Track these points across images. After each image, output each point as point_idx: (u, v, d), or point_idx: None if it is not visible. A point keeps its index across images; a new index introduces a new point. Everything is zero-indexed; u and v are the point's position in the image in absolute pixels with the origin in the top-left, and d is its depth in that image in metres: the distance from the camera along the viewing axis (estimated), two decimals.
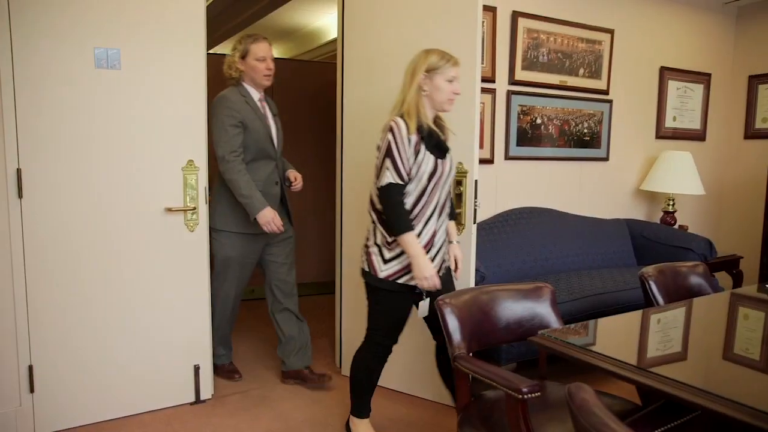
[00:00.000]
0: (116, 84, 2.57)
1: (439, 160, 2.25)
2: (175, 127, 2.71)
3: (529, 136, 3.96)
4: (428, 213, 2.26)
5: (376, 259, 2.29)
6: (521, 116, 3.91)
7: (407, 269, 2.25)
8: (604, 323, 2.03)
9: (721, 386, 1.47)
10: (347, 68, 3.12)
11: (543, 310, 2.09)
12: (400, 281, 2.27)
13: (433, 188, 2.25)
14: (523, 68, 3.87)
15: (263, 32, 6.20)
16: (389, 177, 2.17)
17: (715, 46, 4.99)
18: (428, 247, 2.27)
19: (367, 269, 2.33)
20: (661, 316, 2.15)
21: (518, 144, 3.91)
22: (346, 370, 3.28)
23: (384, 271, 2.27)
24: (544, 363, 2.17)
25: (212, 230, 2.91)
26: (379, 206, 2.27)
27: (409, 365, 3.00)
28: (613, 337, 1.92)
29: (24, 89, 2.41)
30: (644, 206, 4.75)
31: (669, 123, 4.81)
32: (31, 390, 2.54)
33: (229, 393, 3.05)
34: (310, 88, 4.77)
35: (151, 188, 2.69)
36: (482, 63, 3.59)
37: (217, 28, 5.89)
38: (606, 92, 4.33)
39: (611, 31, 4.27)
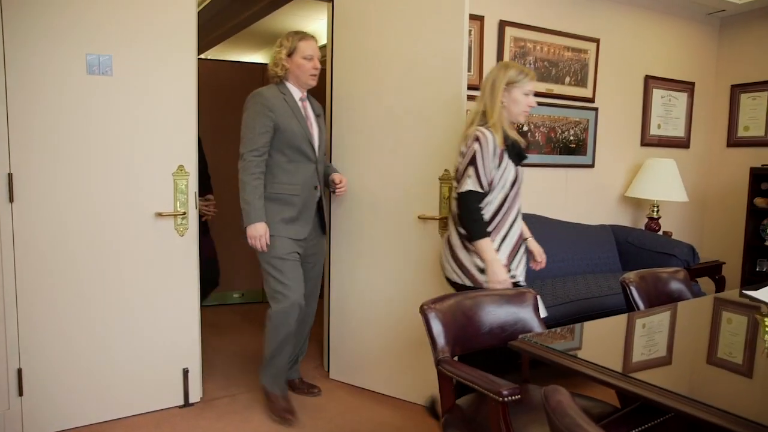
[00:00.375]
0: (108, 90, 2.60)
1: (518, 168, 2.42)
2: (165, 133, 2.74)
3: None
4: (512, 218, 2.42)
5: (475, 272, 2.38)
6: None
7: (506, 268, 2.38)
8: (587, 328, 2.08)
9: (705, 391, 1.52)
10: (336, 74, 3.17)
11: (526, 314, 2.14)
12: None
13: (515, 195, 2.42)
14: None
15: (254, 37, 6.29)
16: (470, 184, 2.31)
17: (699, 55, 5.09)
18: (516, 249, 2.45)
19: (468, 283, 2.40)
20: (646, 320, 2.20)
21: None
22: (334, 374, 3.32)
23: (484, 278, 2.36)
24: (526, 367, 2.22)
25: None
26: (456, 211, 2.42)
27: (396, 369, 3.05)
28: (596, 341, 1.96)
29: (16, 95, 2.43)
30: (629, 212, 4.83)
31: (654, 131, 4.89)
32: (20, 393, 2.55)
33: (218, 396, 3.08)
34: None
35: (142, 193, 2.71)
36: (469, 71, 3.66)
37: (209, 33, 5.92)
38: (592, 100, 4.40)
39: (597, 40, 4.35)
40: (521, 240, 2.50)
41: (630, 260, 4.19)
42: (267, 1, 4.72)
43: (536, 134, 4.12)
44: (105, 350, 2.70)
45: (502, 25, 3.86)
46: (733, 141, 5.08)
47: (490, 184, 2.34)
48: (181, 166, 2.79)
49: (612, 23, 4.47)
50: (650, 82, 4.79)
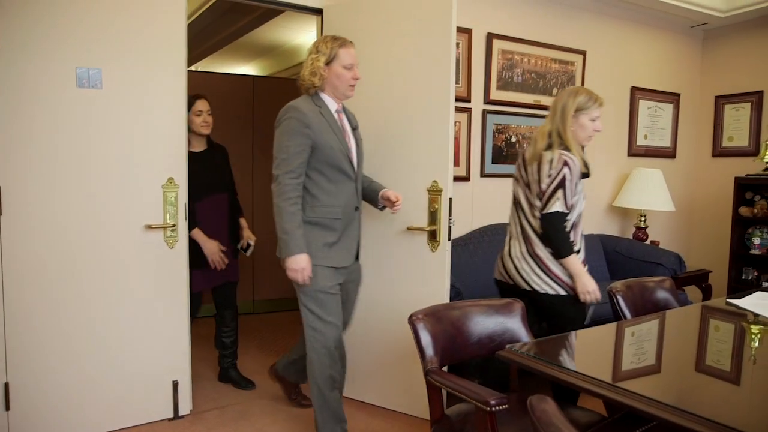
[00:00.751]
0: (97, 103, 2.61)
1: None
2: (155, 145, 2.75)
3: (504, 154, 4.06)
4: (580, 232, 2.55)
5: (569, 279, 2.47)
6: (496, 135, 4.01)
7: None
8: (575, 337, 2.10)
9: (693, 399, 1.55)
10: None
11: (514, 325, 2.16)
12: None
13: (582, 212, 2.55)
14: (498, 88, 3.98)
15: (243, 49, 6.32)
16: (558, 206, 2.40)
17: (683, 67, 5.17)
18: (584, 262, 2.53)
19: (561, 292, 2.47)
20: (634, 329, 2.23)
21: (494, 162, 4.01)
22: None
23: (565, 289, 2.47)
24: (514, 376, 2.24)
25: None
26: (539, 230, 2.48)
27: (385, 379, 3.05)
28: (584, 350, 1.99)
29: (5, 107, 2.44)
30: (617, 222, 4.88)
31: (640, 141, 4.95)
32: (7, 408, 2.53)
33: (207, 409, 3.07)
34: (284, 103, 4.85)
35: (131, 206, 2.72)
36: (458, 83, 3.70)
37: (198, 45, 5.94)
38: None
39: (583, 52, 4.41)
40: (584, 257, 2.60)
41: (618, 269, 4.23)
42: (256, 14, 4.76)
43: (524, 145, 4.17)
44: (93, 363, 2.69)
45: (490, 37, 3.91)
46: (718, 151, 5.15)
47: (571, 206, 2.46)
48: (170, 179, 2.79)
49: (598, 36, 4.54)
50: (636, 93, 4.86)
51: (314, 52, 2.48)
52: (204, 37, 5.66)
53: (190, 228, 2.97)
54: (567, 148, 2.45)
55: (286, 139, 2.39)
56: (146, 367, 2.80)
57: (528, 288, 2.49)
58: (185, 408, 2.94)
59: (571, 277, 2.46)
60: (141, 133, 2.72)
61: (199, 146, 3.18)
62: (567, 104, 2.49)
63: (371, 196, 2.72)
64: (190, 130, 3.02)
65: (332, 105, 2.53)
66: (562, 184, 2.40)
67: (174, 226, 2.81)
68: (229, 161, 3.38)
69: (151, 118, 2.73)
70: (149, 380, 2.82)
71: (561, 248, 2.43)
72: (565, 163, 2.40)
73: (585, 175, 2.54)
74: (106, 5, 2.59)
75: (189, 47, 2.91)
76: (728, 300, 2.50)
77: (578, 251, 2.50)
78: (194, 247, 3.03)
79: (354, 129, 2.63)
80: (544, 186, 2.43)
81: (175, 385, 2.88)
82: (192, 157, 2.95)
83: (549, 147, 2.46)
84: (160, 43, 2.72)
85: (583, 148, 2.57)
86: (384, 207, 2.72)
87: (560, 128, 2.48)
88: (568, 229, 2.45)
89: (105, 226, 2.66)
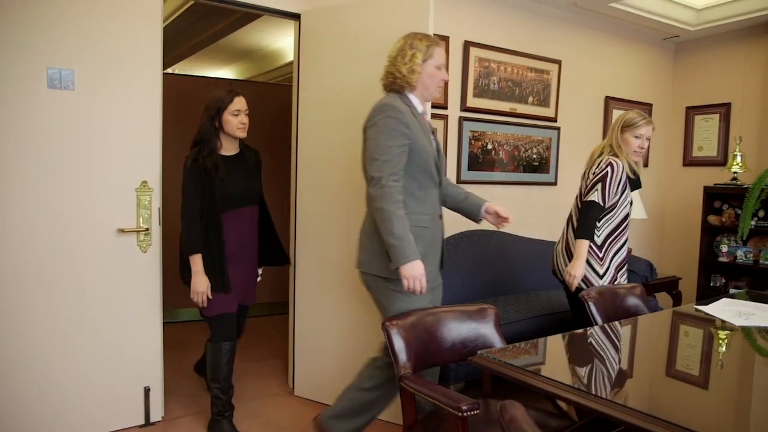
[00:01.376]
0: (69, 105, 2.57)
1: (633, 194, 2.88)
2: (129, 148, 2.72)
3: (480, 160, 4.10)
4: (625, 238, 2.87)
5: (593, 278, 2.80)
6: (473, 142, 4.05)
7: (614, 279, 2.83)
8: (547, 342, 2.13)
9: (663, 403, 1.57)
10: (302, 91, 3.19)
11: (487, 330, 2.18)
12: None
13: (630, 217, 2.87)
14: (475, 95, 4.02)
15: (222, 52, 6.28)
16: (595, 197, 2.73)
17: (656, 78, 5.28)
18: (623, 264, 2.88)
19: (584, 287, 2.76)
20: (606, 334, 2.26)
21: (470, 168, 4.05)
22: (299, 391, 3.30)
23: (602, 283, 2.78)
24: (488, 382, 2.25)
25: (380, 278, 2.33)
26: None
27: None
28: (556, 356, 2.01)
29: None
30: None
31: None
32: None
33: (180, 415, 3.03)
34: (268, 110, 4.82)
35: (104, 209, 2.68)
36: None
37: (176, 47, 5.89)
38: (554, 119, 4.52)
39: (559, 62, 4.48)
40: (627, 257, 2.93)
41: None
42: (234, 17, 4.74)
43: (500, 152, 4.21)
44: (62, 369, 2.63)
45: (467, 45, 3.95)
46: (689, 160, 5.27)
47: (613, 206, 2.78)
48: (144, 182, 2.76)
49: (573, 46, 4.61)
50: (610, 102, 4.95)
51: (409, 48, 2.33)
52: (181, 39, 5.61)
53: (200, 248, 2.61)
54: (616, 156, 2.79)
55: (385, 139, 2.22)
56: (117, 372, 2.76)
57: (560, 278, 2.89)
58: (157, 414, 2.90)
59: (601, 276, 2.80)
60: (114, 136, 2.68)
61: (231, 149, 2.76)
62: (617, 121, 2.87)
63: (470, 209, 2.60)
64: (223, 132, 2.70)
65: (419, 106, 2.40)
66: (602, 180, 2.74)
67: (147, 230, 2.77)
68: (261, 167, 2.95)
69: (124, 121, 2.70)
70: (120, 386, 2.78)
71: (581, 230, 2.75)
72: (609, 164, 2.75)
73: (635, 183, 2.87)
74: (80, 5, 2.56)
75: (165, 50, 2.88)
76: (696, 306, 2.55)
77: (618, 251, 2.84)
78: (214, 267, 2.67)
79: (433, 133, 2.49)
80: (589, 182, 2.80)
81: (147, 391, 2.84)
82: (222, 161, 2.68)
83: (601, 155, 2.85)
84: (135, 45, 2.69)
85: (636, 163, 2.88)
86: (481, 220, 2.62)
87: (612, 141, 2.85)
88: (611, 229, 2.81)
89: (76, 229, 2.62)
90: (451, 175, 3.96)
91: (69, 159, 2.59)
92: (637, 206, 4.63)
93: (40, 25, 2.49)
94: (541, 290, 3.97)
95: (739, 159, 4.63)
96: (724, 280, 4.83)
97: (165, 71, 2.89)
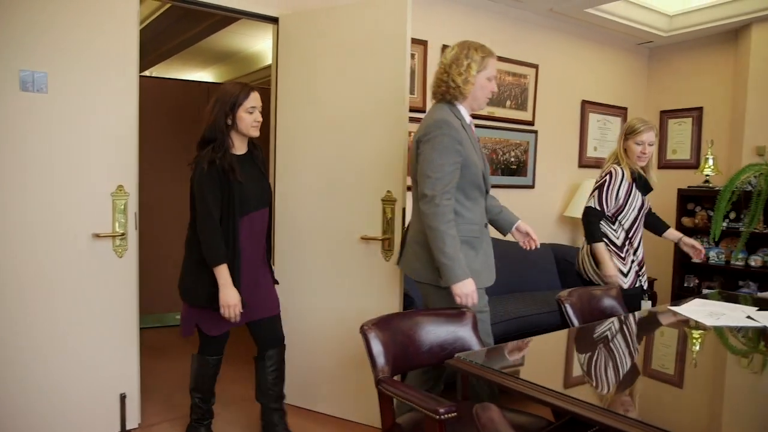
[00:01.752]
0: (43, 108, 2.53)
1: (644, 197, 3.03)
2: (104, 152, 2.69)
3: None
4: (639, 237, 3.05)
5: (620, 277, 2.98)
6: None
7: (638, 275, 3.04)
8: (525, 344, 2.15)
9: (640, 403, 1.60)
10: (281, 94, 3.19)
11: (465, 333, 2.19)
12: (636, 285, 3.04)
13: (641, 219, 3.04)
14: None
15: (201, 55, 6.23)
16: (591, 202, 2.98)
17: (631, 82, 5.37)
18: (642, 263, 3.07)
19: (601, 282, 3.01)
20: (584, 335, 2.29)
21: None
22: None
23: (626, 282, 3.00)
24: (466, 384, 2.27)
25: (432, 286, 2.37)
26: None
27: (341, 389, 3.05)
28: (533, 358, 2.03)
29: None
30: (568, 232, 5.01)
31: (590, 153, 5.11)
32: None
33: (156, 422, 3.00)
34: None
35: (78, 213, 2.64)
36: (413, 94, 3.75)
37: (152, 49, 5.83)
38: (531, 123, 4.57)
39: (536, 66, 4.53)
40: (643, 254, 3.12)
41: (569, 278, 4.33)
42: (212, 20, 4.71)
43: None
44: (36, 375, 2.59)
45: (445, 49, 3.97)
46: (663, 163, 5.36)
47: (620, 210, 2.99)
48: (120, 186, 2.73)
49: (550, 50, 4.67)
50: (586, 106, 5.02)
51: (465, 59, 2.31)
52: (159, 41, 5.56)
53: (226, 257, 2.41)
54: (618, 164, 2.98)
55: (439, 156, 2.23)
56: (92, 379, 2.72)
57: (586, 278, 3.09)
58: (133, 421, 2.86)
59: (626, 275, 3.00)
60: (89, 139, 2.64)
61: (242, 148, 2.55)
62: (622, 128, 3.06)
63: (503, 224, 2.63)
64: (235, 130, 2.49)
65: (467, 117, 2.39)
66: (600, 187, 2.97)
67: (123, 234, 2.74)
68: (267, 165, 2.81)
69: (100, 124, 2.67)
70: (95, 393, 2.73)
71: (587, 236, 3.02)
72: (609, 173, 2.96)
73: (644, 187, 3.02)
74: (54, 5, 2.52)
75: (143, 52, 2.85)
76: (669, 307, 2.60)
77: (635, 251, 3.05)
78: (211, 281, 2.43)
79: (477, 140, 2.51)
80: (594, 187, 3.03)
81: (123, 397, 2.80)
82: (237, 161, 2.49)
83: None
84: (110, 47, 2.66)
85: (644, 169, 3.03)
86: (506, 233, 2.66)
87: (618, 149, 3.04)
88: (625, 231, 3.01)
89: (49, 233, 2.58)
90: None
91: (42, 163, 2.55)
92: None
93: (12, 26, 2.44)
94: (519, 292, 4.01)
95: (711, 162, 4.73)
96: (697, 281, 4.92)
97: (142, 74, 2.85)
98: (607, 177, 2.96)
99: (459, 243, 2.25)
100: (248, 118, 2.47)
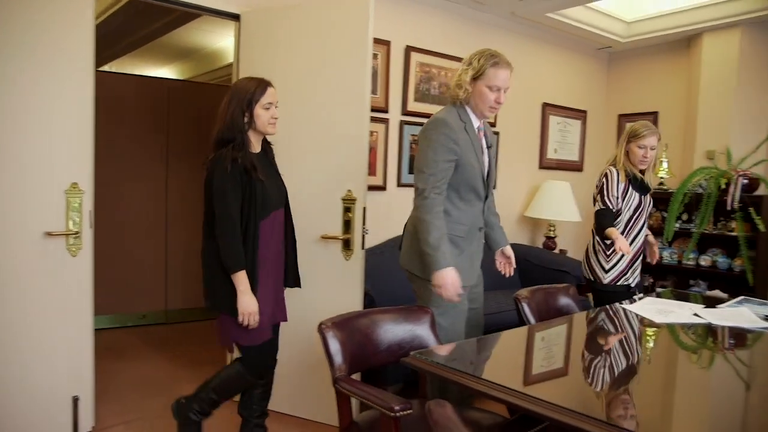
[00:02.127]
0: None
1: (643, 196, 3.09)
2: (58, 149, 2.62)
3: None
4: (634, 234, 3.10)
5: (599, 272, 3.10)
6: (413, 146, 4.10)
7: (623, 273, 3.09)
8: (480, 342, 2.18)
9: (592, 399, 1.64)
10: None
11: (423, 332, 2.21)
12: (618, 283, 3.10)
13: (638, 217, 3.09)
14: (416, 100, 4.08)
15: (162, 51, 6.12)
16: (598, 206, 3.08)
17: (590, 86, 5.50)
18: (634, 259, 3.12)
19: (591, 278, 3.15)
20: (543, 333, 2.33)
21: (411, 172, 4.09)
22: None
23: (606, 278, 3.08)
24: (424, 382, 2.29)
25: (418, 277, 2.46)
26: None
27: (300, 388, 3.04)
28: (490, 355, 2.07)
29: None
30: (528, 232, 5.10)
31: (551, 155, 5.21)
32: None
33: (110, 425, 2.94)
34: (206, 109, 4.75)
35: (30, 211, 2.57)
36: (375, 93, 3.76)
37: (111, 44, 5.70)
38: (493, 125, 4.63)
39: None
40: (640, 252, 3.17)
41: (529, 277, 4.41)
42: (173, 16, 4.63)
43: None
44: None
45: (408, 50, 4.01)
46: None
47: (619, 209, 3.05)
48: (74, 184, 2.67)
49: (512, 53, 4.65)
50: (547, 109, 5.11)
51: (466, 64, 2.39)
52: (117, 36, 5.44)
53: (245, 263, 2.28)
54: (613, 165, 3.08)
55: (433, 154, 2.32)
56: (43, 381, 2.64)
57: (588, 279, 3.20)
58: (87, 425, 2.80)
59: (607, 271, 3.10)
60: (42, 136, 2.57)
61: (257, 146, 2.42)
62: (625, 131, 3.12)
63: (491, 243, 2.73)
64: (252, 129, 2.36)
65: (475, 121, 2.45)
66: (600, 190, 3.07)
67: (78, 233, 2.68)
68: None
69: (53, 121, 2.59)
70: (46, 396, 2.66)
71: (598, 230, 3.07)
72: (605, 175, 3.07)
73: (641, 188, 3.08)
74: None
75: (100, 46, 2.79)
76: (621, 305, 2.67)
77: (630, 243, 3.07)
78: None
79: (489, 147, 2.54)
80: (595, 193, 3.13)
81: (76, 400, 2.74)
82: (257, 160, 2.36)
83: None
84: (65, 41, 2.59)
85: (643, 172, 3.09)
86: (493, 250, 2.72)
87: (617, 151, 3.12)
88: (621, 229, 3.06)
89: (0, 231, 2.50)
90: (391, 178, 4.01)
91: None
92: (570, 209, 4.82)
93: None
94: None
95: (665, 165, 4.87)
96: (651, 280, 5.06)
97: (100, 69, 2.79)
98: (604, 179, 3.06)
99: (445, 236, 2.32)
100: (265, 115, 2.36)
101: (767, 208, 4.41)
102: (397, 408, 1.64)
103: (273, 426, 2.95)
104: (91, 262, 2.76)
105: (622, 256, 3.03)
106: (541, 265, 4.44)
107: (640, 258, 3.18)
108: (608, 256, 3.07)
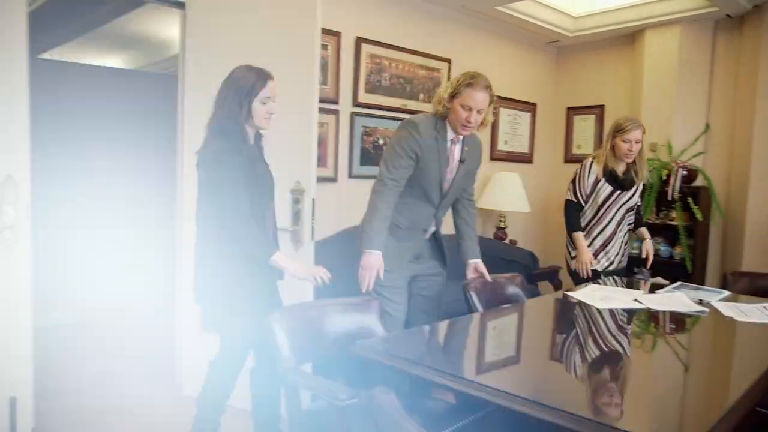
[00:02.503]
0: None
1: (617, 191, 3.22)
2: None
3: (372, 156, 4.16)
4: (604, 223, 3.29)
5: (568, 256, 3.41)
6: (365, 137, 4.10)
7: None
8: (430, 329, 2.21)
9: (530, 383, 1.68)
10: (188, 83, 3.09)
11: (370, 321, 2.22)
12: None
13: (606, 208, 3.26)
14: (367, 91, 4.07)
15: (106, 38, 5.92)
16: (568, 195, 3.32)
17: (540, 79, 5.60)
18: (604, 246, 3.33)
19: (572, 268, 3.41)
20: (494, 323, 2.37)
21: (362, 163, 4.10)
22: (187, 389, 3.20)
23: (573, 263, 3.37)
24: (371, 372, 2.30)
25: None
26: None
27: (245, 380, 3.00)
28: (438, 342, 2.09)
29: None
30: (479, 223, 5.17)
31: (501, 146, 5.29)
32: None
33: (53, 426, 2.84)
34: (151, 100, 4.64)
35: None
36: (325, 84, 3.74)
37: (52, 30, 5.48)
38: None
39: (449, 61, 4.63)
40: (614, 245, 3.34)
41: None
42: (115, 3, 4.48)
43: None
44: None
45: (359, 42, 3.99)
46: (570, 157, 5.64)
47: (586, 200, 3.27)
48: (8, 176, 2.56)
49: (462, 46, 4.79)
50: (498, 102, 5.15)
51: (447, 82, 2.61)
52: (61, 22, 5.23)
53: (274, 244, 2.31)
54: (595, 159, 3.25)
55: (398, 149, 2.51)
56: None
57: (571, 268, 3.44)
58: (26, 427, 2.69)
59: (573, 258, 3.35)
60: None
61: (251, 138, 2.38)
62: (611, 126, 3.25)
63: (461, 250, 2.85)
64: (247, 122, 2.30)
65: (450, 134, 2.56)
66: (573, 180, 3.29)
67: (12, 227, 2.57)
68: None
69: None
70: None
71: (566, 225, 3.36)
72: (582, 166, 3.26)
73: (618, 186, 3.20)
74: None
75: (41, 32, 2.67)
76: (565, 292, 2.75)
77: (593, 241, 3.32)
78: (265, 284, 2.35)
79: (461, 162, 2.63)
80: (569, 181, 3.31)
81: (13, 401, 2.63)
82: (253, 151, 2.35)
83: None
84: None
85: (628, 166, 3.22)
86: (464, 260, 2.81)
87: (603, 145, 3.26)
88: (588, 218, 3.30)
89: None
90: (342, 169, 4.00)
91: None
92: (520, 200, 4.91)
93: None
94: None
95: None
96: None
97: (40, 56, 2.68)
98: (578, 170, 3.26)
99: (386, 225, 2.49)
100: (261, 110, 2.29)
101: (705, 199, 4.60)
102: (343, 397, 1.65)
103: (234, 424, 2.91)
104: (29, 257, 2.65)
105: (593, 241, 3.31)
106: (491, 255, 4.49)
107: (613, 245, 3.35)
108: (573, 246, 3.36)
